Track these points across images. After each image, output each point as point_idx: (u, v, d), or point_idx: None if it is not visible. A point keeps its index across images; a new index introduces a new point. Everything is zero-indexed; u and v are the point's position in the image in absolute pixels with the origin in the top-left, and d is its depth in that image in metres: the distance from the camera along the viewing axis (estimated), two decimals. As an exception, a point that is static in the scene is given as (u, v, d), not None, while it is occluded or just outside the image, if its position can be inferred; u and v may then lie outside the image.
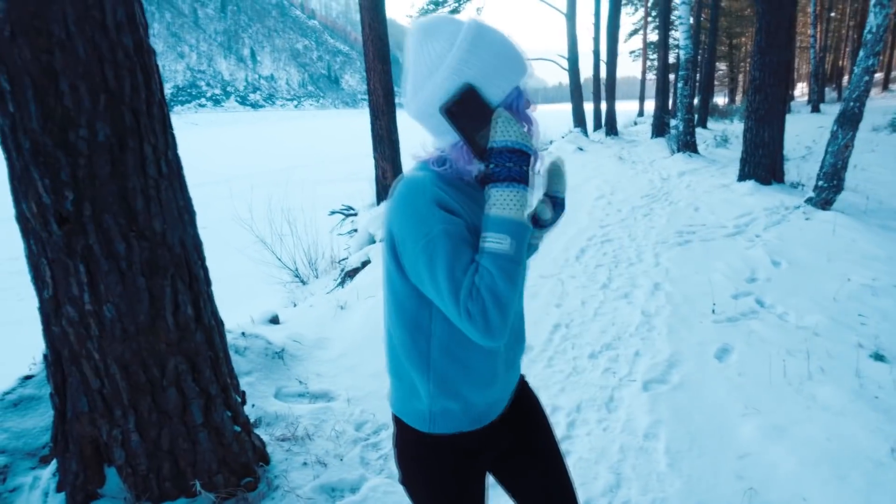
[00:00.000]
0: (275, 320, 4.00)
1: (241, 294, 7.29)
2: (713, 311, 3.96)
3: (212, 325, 2.10)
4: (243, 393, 2.32)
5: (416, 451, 1.19)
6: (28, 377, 2.55)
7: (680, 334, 3.60)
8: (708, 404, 2.73)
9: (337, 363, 3.34)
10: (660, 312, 4.01)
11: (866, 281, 4.36)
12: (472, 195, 1.06)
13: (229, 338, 3.10)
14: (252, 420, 2.55)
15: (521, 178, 0.97)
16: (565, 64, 20.21)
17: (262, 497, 2.16)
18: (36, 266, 1.99)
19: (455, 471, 1.18)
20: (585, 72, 22.60)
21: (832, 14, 37.32)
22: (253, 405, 2.70)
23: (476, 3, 21.42)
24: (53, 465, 2.17)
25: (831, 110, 27.52)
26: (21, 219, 1.99)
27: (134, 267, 1.95)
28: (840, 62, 42.82)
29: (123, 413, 1.98)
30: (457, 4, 21.41)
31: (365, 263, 6.27)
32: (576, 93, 20.20)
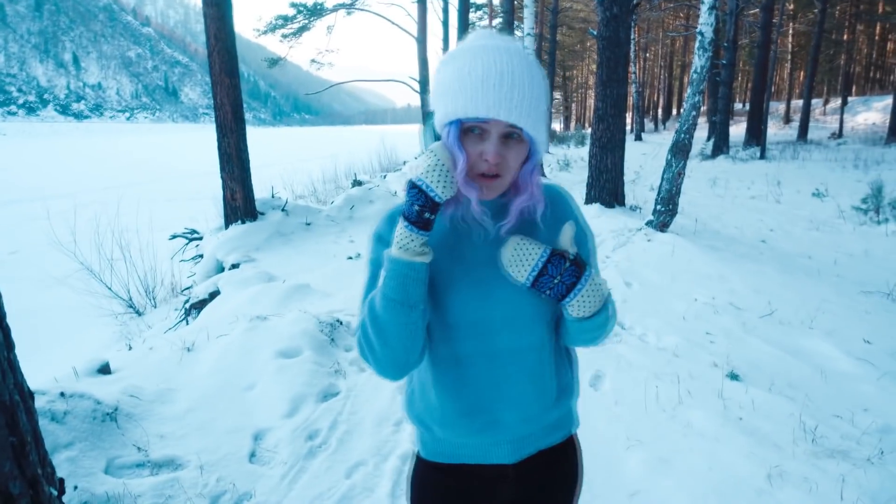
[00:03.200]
0: (105, 370, 3.38)
1: (62, 331, 6.31)
2: (581, 335, 4.03)
3: (15, 402, 1.62)
4: (61, 481, 1.83)
5: (412, 467, 1.23)
6: None
7: (554, 362, 3.58)
8: (592, 438, 2.68)
9: (184, 420, 2.85)
10: (531, 339, 4.00)
11: (707, 300, 4.71)
12: (464, 229, 1.08)
13: (43, 401, 2.53)
14: (75, 509, 2.05)
15: (408, 215, 0.96)
16: (416, 86, 20.52)
17: None
18: None
19: (443, 499, 1.19)
20: (436, 94, 23.13)
21: (647, 54, 41.95)
22: (76, 487, 2.17)
23: (327, 21, 20.98)
24: None
25: (651, 139, 30.81)
26: None
27: None
28: (654, 97, 48.26)
29: None
30: (306, 21, 20.90)
31: (213, 294, 5.67)
32: (426, 114, 20.56)
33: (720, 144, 18.40)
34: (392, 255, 0.97)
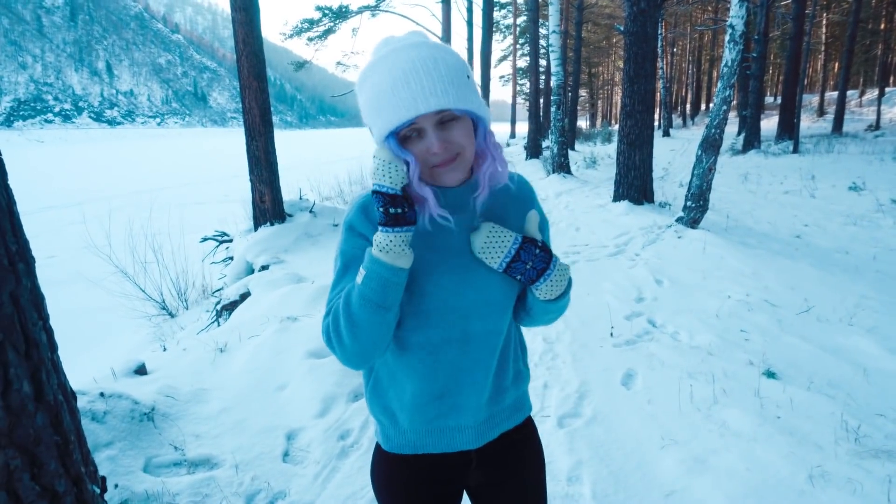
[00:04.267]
0: (141, 370, 3.45)
1: (98, 332, 6.46)
2: (611, 334, 3.98)
3: (59, 402, 1.66)
4: (103, 479, 1.87)
5: (374, 460, 1.25)
6: None
7: (584, 361, 3.55)
8: (625, 438, 2.65)
9: (219, 420, 2.90)
10: (561, 338, 3.96)
11: (741, 297, 4.61)
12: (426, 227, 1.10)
13: (84, 401, 2.59)
14: (115, 506, 2.09)
15: (380, 221, 0.99)
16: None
17: None
18: None
19: (407, 489, 1.21)
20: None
21: (675, 49, 41.30)
22: (116, 485, 2.22)
23: (352, 23, 21.11)
24: None
25: (679, 134, 30.33)
26: None
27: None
28: (682, 92, 47.51)
29: (-71, 530, 1.49)
30: (331, 24, 21.05)
31: (244, 296, 5.74)
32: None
33: (751, 139, 18.00)
34: (374, 256, 0.99)
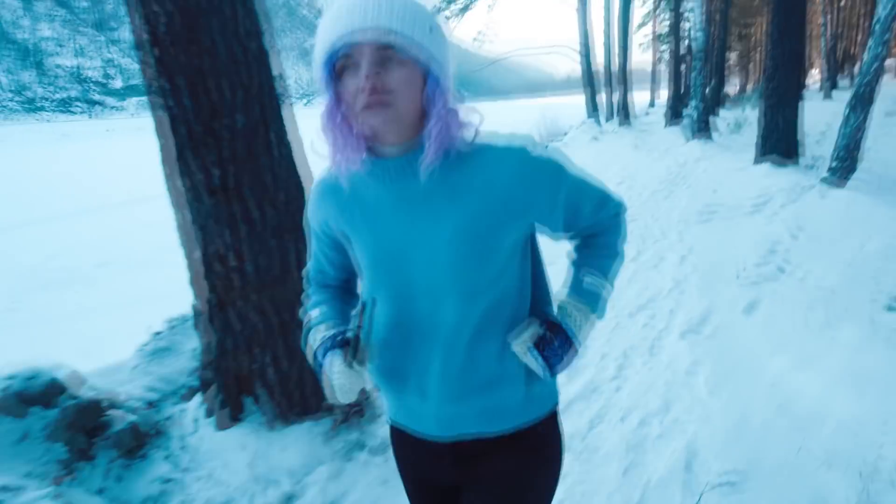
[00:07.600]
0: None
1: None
2: (738, 276, 4.34)
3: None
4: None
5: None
6: (158, 333, 3.00)
7: (709, 295, 3.98)
8: (740, 348, 3.12)
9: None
10: (688, 279, 4.39)
11: (879, 247, 4.68)
12: None
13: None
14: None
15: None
16: (576, 55, 20.56)
17: (373, 420, 2.59)
18: (187, 232, 2.43)
19: (401, 461, 1.24)
20: (596, 62, 22.98)
21: (842, 3, 37.18)
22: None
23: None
24: (196, 399, 2.62)
25: (843, 97, 27.49)
26: (174, 193, 2.43)
27: (267, 230, 2.39)
28: (852, 49, 42.64)
29: (262, 350, 2.42)
30: (468, 1, 21.65)
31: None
32: (588, 83, 20.65)
33: (927, 96, 16.21)
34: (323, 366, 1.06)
